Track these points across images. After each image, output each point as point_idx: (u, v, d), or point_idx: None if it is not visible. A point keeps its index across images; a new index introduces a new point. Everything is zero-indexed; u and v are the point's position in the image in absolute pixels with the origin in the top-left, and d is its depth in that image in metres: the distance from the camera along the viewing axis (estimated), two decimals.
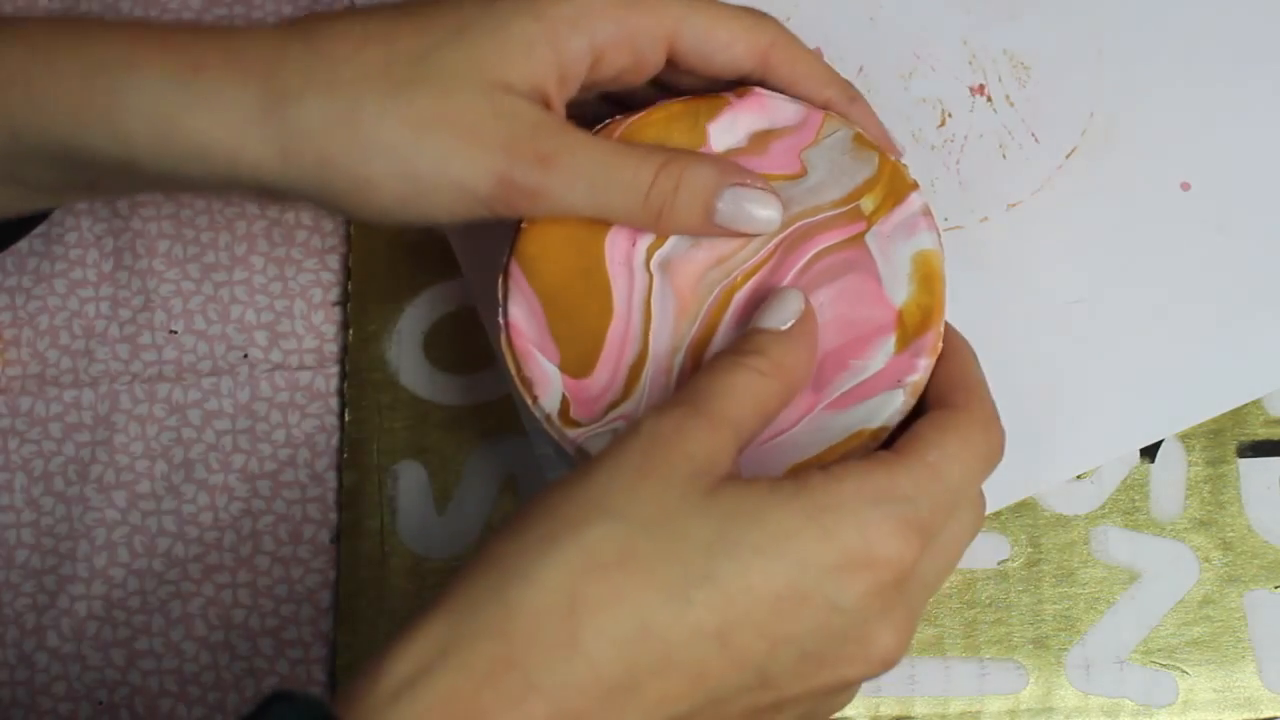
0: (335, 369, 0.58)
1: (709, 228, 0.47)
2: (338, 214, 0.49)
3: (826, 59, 0.59)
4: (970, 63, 0.59)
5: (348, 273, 0.59)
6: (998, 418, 0.45)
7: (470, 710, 0.38)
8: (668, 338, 0.48)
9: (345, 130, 0.45)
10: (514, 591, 0.39)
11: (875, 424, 0.46)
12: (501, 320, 0.48)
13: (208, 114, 0.45)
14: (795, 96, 0.50)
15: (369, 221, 0.48)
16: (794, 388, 0.45)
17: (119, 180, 0.48)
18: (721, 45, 0.49)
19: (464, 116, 0.46)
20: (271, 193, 0.47)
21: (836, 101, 0.50)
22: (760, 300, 0.47)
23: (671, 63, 0.49)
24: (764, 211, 0.47)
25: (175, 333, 0.59)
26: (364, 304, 0.58)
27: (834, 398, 0.46)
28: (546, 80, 0.47)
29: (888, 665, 0.43)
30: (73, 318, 0.59)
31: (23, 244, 0.59)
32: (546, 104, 0.47)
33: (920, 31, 0.60)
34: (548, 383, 0.48)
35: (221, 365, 0.58)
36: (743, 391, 0.44)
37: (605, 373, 0.48)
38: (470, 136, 0.45)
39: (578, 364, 0.48)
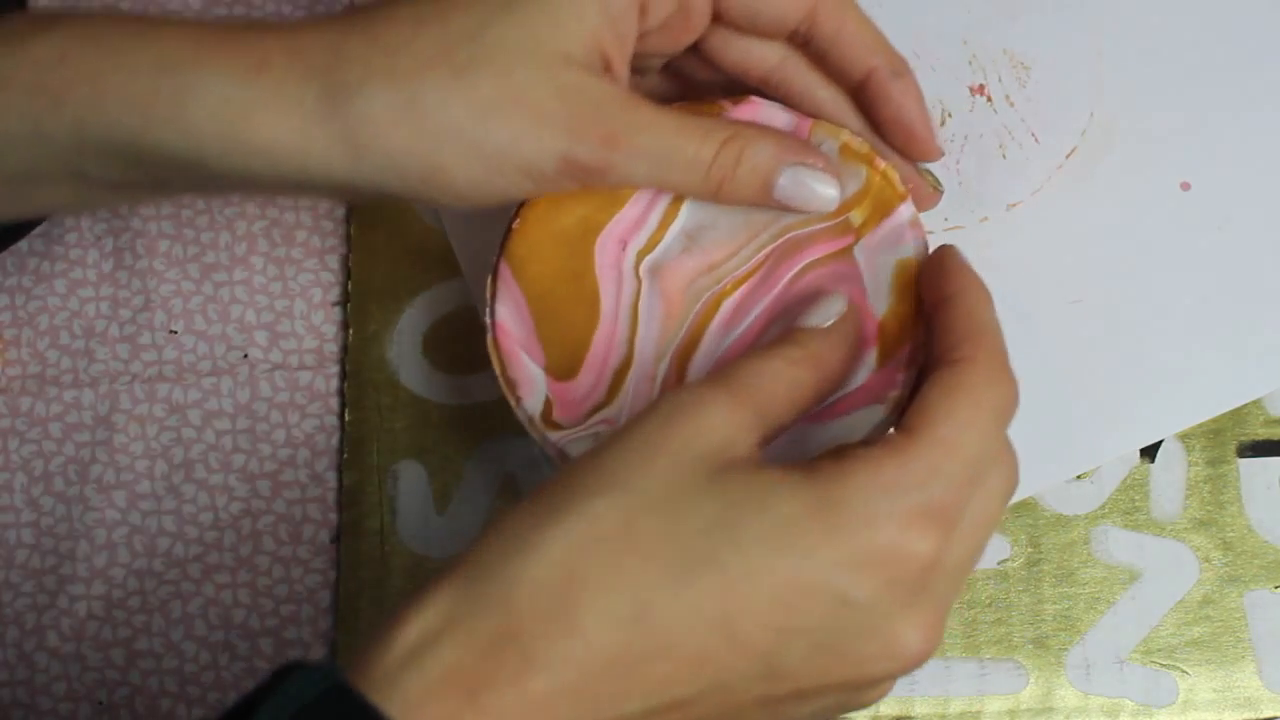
0: (335, 369, 0.58)
1: (768, 200, 0.47)
2: (415, 202, 0.50)
3: None
4: (970, 63, 0.59)
5: (348, 273, 0.59)
6: (1007, 364, 0.43)
7: (473, 682, 0.38)
8: (654, 344, 0.48)
9: (411, 119, 0.45)
10: (516, 563, 0.39)
11: (856, 438, 0.46)
12: (488, 320, 0.48)
13: (273, 113, 0.45)
14: (838, 61, 0.49)
15: (445, 205, 0.47)
16: (830, 381, 0.45)
17: (189, 179, 0.48)
18: None
19: (527, 95, 0.45)
20: (345, 189, 0.47)
21: (880, 73, 0.49)
22: (747, 309, 0.48)
23: (718, 18, 0.49)
24: (823, 189, 0.47)
25: (175, 333, 0.59)
26: (364, 304, 0.58)
27: (814, 411, 0.46)
28: (603, 39, 0.47)
29: (918, 661, 0.41)
30: (73, 318, 0.59)
31: (23, 244, 0.59)
32: (607, 66, 0.47)
33: (920, 31, 0.59)
34: (532, 384, 0.48)
35: (221, 365, 0.58)
36: (772, 376, 0.43)
37: (590, 376, 0.48)
38: (535, 116, 0.45)
39: (563, 367, 0.48)
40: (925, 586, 0.41)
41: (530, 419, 0.47)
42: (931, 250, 0.47)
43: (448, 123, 0.45)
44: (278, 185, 0.47)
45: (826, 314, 0.45)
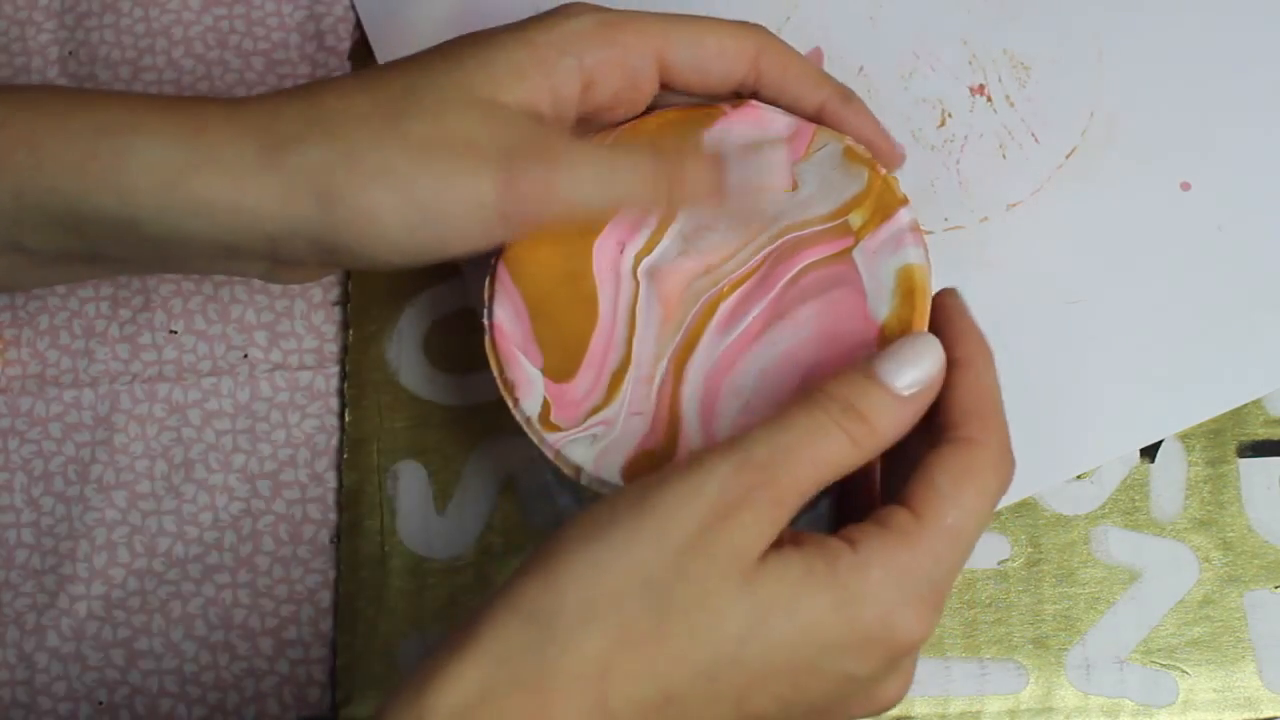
0: (335, 369, 0.58)
1: (721, 193, 0.48)
2: (348, 261, 0.48)
3: (826, 59, 0.59)
4: (970, 63, 0.59)
5: (348, 273, 0.59)
6: (1010, 448, 0.44)
7: None
8: (651, 345, 0.48)
9: (343, 165, 0.45)
10: (553, 651, 0.40)
11: None
12: (486, 322, 0.48)
13: (210, 171, 0.46)
14: (791, 101, 0.50)
15: (380, 261, 0.47)
16: (877, 456, 0.44)
17: (126, 244, 0.48)
18: (712, 55, 0.49)
19: (459, 133, 0.46)
20: (280, 245, 0.47)
21: (831, 102, 0.50)
22: (744, 311, 0.48)
23: (666, 84, 0.49)
24: (774, 154, 0.48)
25: (175, 333, 0.59)
26: (364, 304, 0.58)
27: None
28: (539, 102, 0.47)
29: (890, 708, 0.45)
30: (73, 318, 0.59)
31: None
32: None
33: (920, 31, 0.59)
34: (530, 385, 0.48)
35: (221, 365, 0.58)
36: (826, 463, 0.42)
37: (587, 378, 0.48)
38: (468, 151, 0.46)
39: (560, 368, 0.48)
40: (911, 653, 0.44)
41: (528, 420, 0.48)
42: (936, 288, 0.47)
43: (380, 165, 0.45)
44: (213, 248, 0.47)
45: (914, 374, 0.43)
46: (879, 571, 0.42)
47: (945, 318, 0.46)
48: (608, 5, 0.49)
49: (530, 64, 0.47)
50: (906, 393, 0.43)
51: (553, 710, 0.40)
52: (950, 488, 0.43)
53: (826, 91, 0.50)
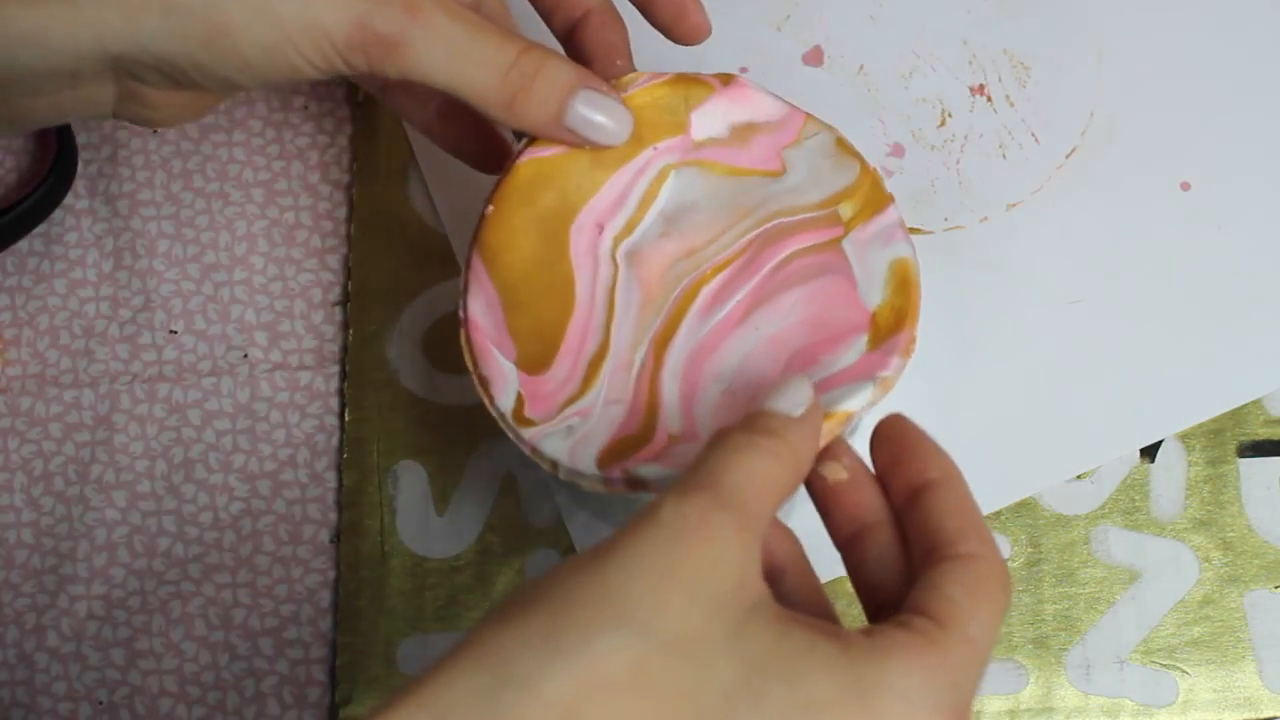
0: (335, 369, 0.58)
1: (556, 128, 0.46)
2: (196, 76, 0.45)
3: (826, 58, 0.59)
4: (970, 63, 0.59)
5: (348, 273, 0.59)
6: (1005, 564, 0.42)
7: None
8: (630, 330, 0.47)
9: None
10: (509, 697, 0.36)
11: (840, 408, 0.45)
12: (461, 315, 0.47)
13: None
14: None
15: (227, 80, 0.45)
16: (802, 478, 0.42)
17: None
18: None
19: None
20: (124, 65, 0.44)
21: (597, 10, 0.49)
22: (727, 295, 0.47)
23: None
24: (613, 122, 0.47)
25: (175, 333, 0.59)
26: (364, 304, 0.58)
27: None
28: None
29: None
30: (73, 318, 0.59)
31: (23, 244, 0.59)
32: None
33: (920, 31, 0.60)
34: (504, 381, 0.47)
35: (221, 365, 0.58)
36: (761, 478, 0.40)
37: (563, 367, 0.47)
38: None
39: (535, 359, 0.47)
40: None
41: (502, 416, 0.46)
42: (877, 421, 0.44)
43: None
44: (53, 79, 0.45)
45: (797, 401, 0.42)
46: (900, 664, 0.38)
47: (906, 442, 0.43)
48: None
49: None
50: (798, 412, 0.42)
51: None
52: (966, 600, 0.40)
53: None
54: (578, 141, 0.47)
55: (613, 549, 0.38)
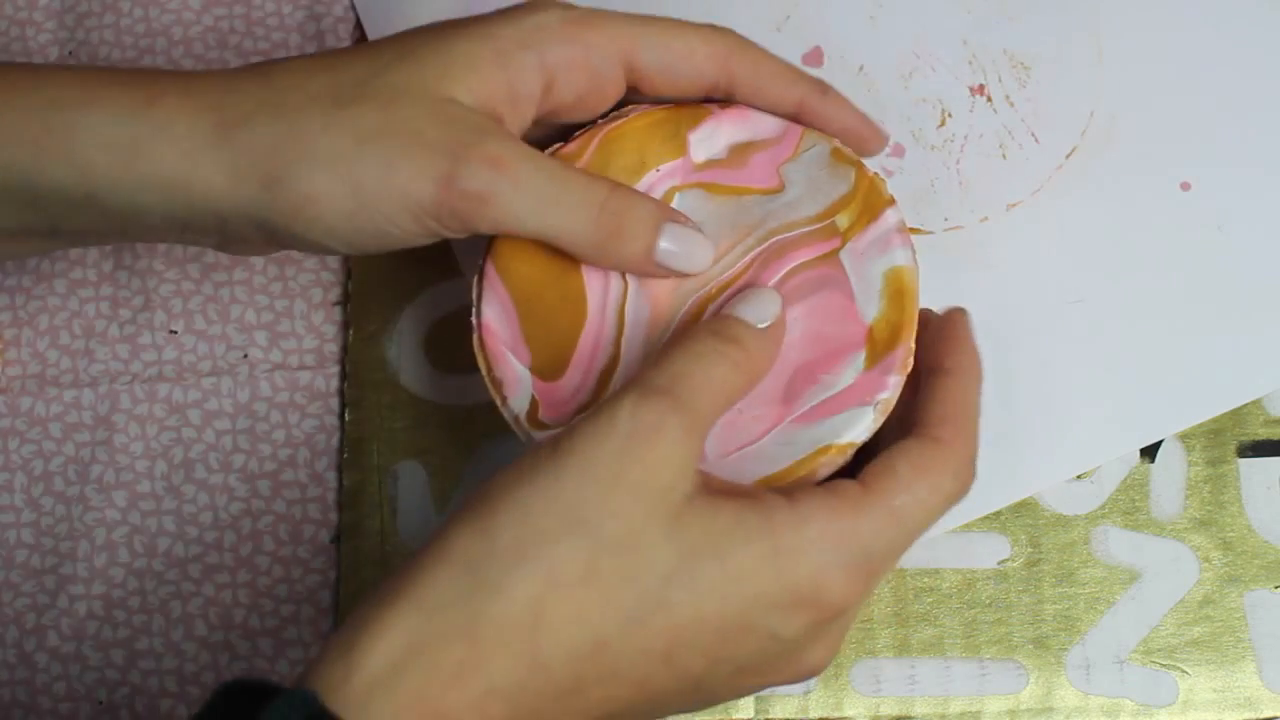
0: (335, 369, 0.58)
1: (647, 264, 0.47)
2: (290, 243, 0.48)
3: (826, 59, 0.59)
4: (970, 63, 0.59)
5: (348, 273, 0.59)
6: (975, 459, 0.46)
7: (437, 708, 0.40)
8: (640, 345, 0.48)
9: (290, 147, 0.45)
10: (482, 598, 0.41)
11: (843, 439, 0.46)
12: (474, 321, 0.48)
13: (163, 142, 0.46)
14: (768, 102, 0.49)
15: (318, 246, 0.47)
16: (754, 386, 0.46)
17: (80, 217, 0.48)
18: (681, 56, 0.48)
19: (408, 125, 0.45)
20: (228, 223, 0.47)
21: (809, 98, 0.49)
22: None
23: (634, 87, 0.49)
24: (701, 253, 0.48)
25: (175, 333, 0.59)
26: (364, 304, 0.58)
27: (803, 411, 0.46)
28: (495, 98, 0.46)
29: (818, 673, 0.45)
30: (73, 318, 0.59)
31: None
32: (498, 122, 0.47)
33: (920, 31, 0.59)
34: (518, 384, 0.48)
35: (221, 365, 0.58)
36: (719, 384, 0.44)
37: (576, 376, 0.48)
38: (414, 141, 0.45)
39: (549, 367, 0.48)
40: (839, 619, 0.44)
41: (515, 418, 0.48)
42: (945, 308, 0.48)
43: (325, 150, 0.45)
44: (167, 221, 0.47)
45: (763, 313, 0.46)
46: (816, 528, 0.42)
47: (948, 330, 0.47)
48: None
49: (488, 58, 0.46)
50: (762, 325, 0.46)
51: (484, 662, 0.40)
52: (907, 474, 0.44)
53: (802, 88, 0.49)
54: (664, 275, 0.48)
55: (569, 452, 0.42)
